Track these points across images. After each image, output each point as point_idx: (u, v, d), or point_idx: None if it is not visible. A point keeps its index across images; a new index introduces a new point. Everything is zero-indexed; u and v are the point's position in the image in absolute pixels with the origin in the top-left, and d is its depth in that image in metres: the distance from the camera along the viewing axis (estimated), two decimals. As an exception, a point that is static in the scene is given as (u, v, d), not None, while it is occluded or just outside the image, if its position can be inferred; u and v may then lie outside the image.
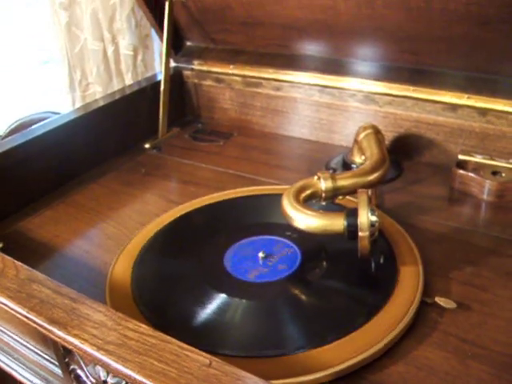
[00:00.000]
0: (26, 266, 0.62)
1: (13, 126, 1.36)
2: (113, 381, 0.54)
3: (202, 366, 0.46)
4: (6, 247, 0.80)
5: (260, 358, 0.59)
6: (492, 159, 0.90)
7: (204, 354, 0.48)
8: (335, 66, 1.06)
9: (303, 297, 0.69)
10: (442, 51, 0.93)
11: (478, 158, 0.91)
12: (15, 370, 0.71)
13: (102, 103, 1.09)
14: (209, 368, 0.46)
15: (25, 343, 0.67)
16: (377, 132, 0.92)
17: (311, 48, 1.08)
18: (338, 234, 0.67)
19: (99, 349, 0.49)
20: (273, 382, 0.53)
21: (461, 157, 0.92)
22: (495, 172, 0.88)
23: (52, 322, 0.53)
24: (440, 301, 0.66)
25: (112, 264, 0.76)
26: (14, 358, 0.71)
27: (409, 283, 0.68)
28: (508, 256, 0.75)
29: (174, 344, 0.49)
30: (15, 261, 0.63)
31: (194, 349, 0.48)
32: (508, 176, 0.87)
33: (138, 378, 0.46)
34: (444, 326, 0.64)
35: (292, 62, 1.10)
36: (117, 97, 1.12)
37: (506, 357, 0.59)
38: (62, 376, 0.64)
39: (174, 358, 0.47)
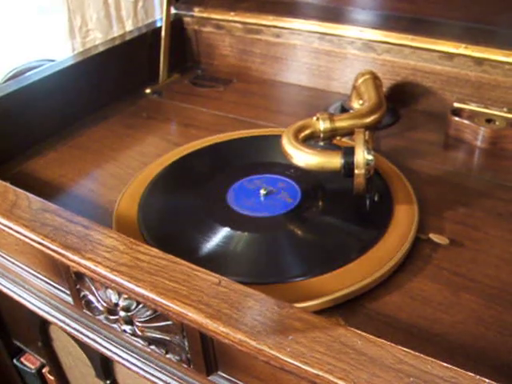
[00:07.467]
0: (37, 198, 0.63)
1: (9, 75, 1.35)
2: (124, 303, 0.56)
3: (211, 284, 0.49)
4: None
5: (261, 285, 0.60)
6: (486, 107, 0.92)
7: (213, 273, 0.50)
8: (335, 13, 1.06)
9: (302, 231, 0.71)
10: (440, 1, 0.94)
11: (472, 106, 0.92)
12: (26, 299, 0.73)
13: (101, 49, 1.08)
14: (218, 286, 0.49)
15: (36, 274, 0.69)
16: (375, 78, 0.93)
17: (312, -5, 1.08)
18: (335, 171, 0.69)
19: (112, 270, 0.52)
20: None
21: (456, 105, 0.93)
22: (489, 120, 0.90)
23: (66, 247, 0.55)
24: (434, 237, 0.69)
25: (117, 201, 0.77)
26: (25, 289, 0.73)
27: (404, 220, 0.70)
28: (500, 199, 0.77)
29: (185, 265, 0.51)
30: (27, 192, 0.64)
31: (203, 269, 0.51)
32: (501, 124, 0.89)
33: (151, 296, 0.49)
34: (437, 261, 0.66)
35: (292, 9, 1.10)
36: (117, 42, 1.11)
37: (495, 289, 0.62)
38: (72, 303, 0.66)
39: (184, 277, 0.50)
